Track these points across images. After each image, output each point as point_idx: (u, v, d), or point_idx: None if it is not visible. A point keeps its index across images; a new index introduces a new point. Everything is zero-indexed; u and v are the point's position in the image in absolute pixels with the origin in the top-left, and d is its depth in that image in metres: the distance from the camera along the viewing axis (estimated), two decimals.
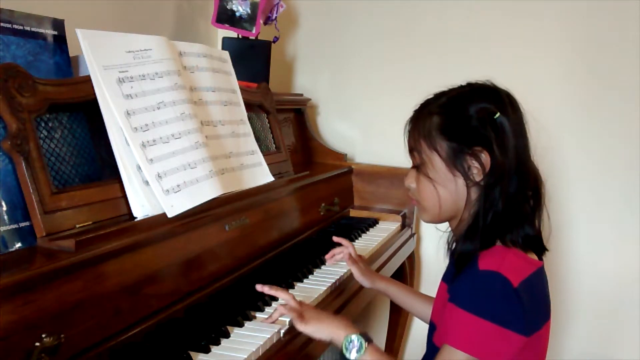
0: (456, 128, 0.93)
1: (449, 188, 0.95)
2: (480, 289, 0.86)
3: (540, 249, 0.95)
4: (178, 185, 1.06)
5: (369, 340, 0.93)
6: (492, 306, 0.84)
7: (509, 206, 0.91)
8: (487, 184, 0.92)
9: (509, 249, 0.90)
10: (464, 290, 0.89)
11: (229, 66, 1.40)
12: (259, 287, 1.07)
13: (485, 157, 0.91)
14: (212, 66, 1.30)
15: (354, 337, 0.92)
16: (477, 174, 0.92)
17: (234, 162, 1.27)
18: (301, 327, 0.97)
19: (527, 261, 0.90)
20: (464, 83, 0.98)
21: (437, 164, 0.95)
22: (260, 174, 1.36)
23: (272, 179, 1.39)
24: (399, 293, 1.26)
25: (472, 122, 0.92)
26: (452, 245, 0.99)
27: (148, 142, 1.04)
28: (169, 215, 1.01)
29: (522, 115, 0.94)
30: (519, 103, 0.95)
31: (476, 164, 0.92)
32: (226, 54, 1.41)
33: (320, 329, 0.97)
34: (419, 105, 1.00)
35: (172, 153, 1.08)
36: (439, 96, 0.98)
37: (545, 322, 0.93)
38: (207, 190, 1.11)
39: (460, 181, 0.93)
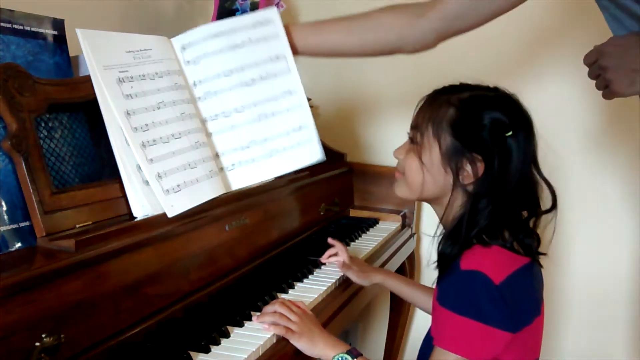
0: (466, 129, 0.93)
1: (436, 179, 0.96)
2: (462, 289, 0.87)
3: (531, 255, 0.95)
4: (178, 185, 1.05)
5: (357, 355, 0.95)
6: (475, 305, 0.85)
7: (494, 218, 0.92)
8: (475, 192, 0.93)
9: (490, 247, 0.90)
10: (447, 290, 0.90)
11: (271, 28, 1.18)
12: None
13: (480, 166, 0.92)
14: (228, 44, 1.16)
15: (341, 356, 0.94)
16: (466, 178, 0.93)
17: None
18: (293, 341, 0.98)
19: (511, 258, 0.90)
20: (491, 86, 0.98)
21: (435, 153, 0.96)
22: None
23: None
24: (396, 285, 1.30)
25: (483, 131, 0.92)
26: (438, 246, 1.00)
27: (148, 142, 1.04)
28: (169, 215, 1.01)
29: (534, 141, 0.95)
30: (536, 129, 0.95)
31: (469, 169, 0.93)
32: (271, 13, 1.19)
33: (311, 348, 0.98)
34: (440, 87, 1.00)
35: (172, 153, 1.07)
36: (462, 88, 0.98)
37: (535, 317, 0.92)
38: (207, 190, 1.11)
39: (449, 178, 0.95)
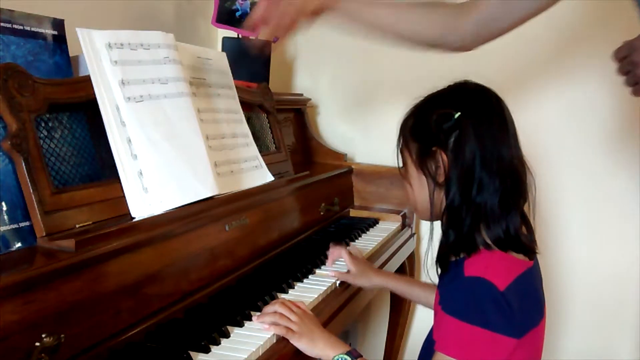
0: (420, 129, 0.95)
1: (422, 189, 0.96)
2: (467, 296, 0.86)
3: (525, 251, 0.92)
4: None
5: (357, 356, 0.94)
6: (480, 312, 0.84)
7: (475, 206, 0.89)
8: (447, 184, 0.92)
9: (493, 253, 0.89)
10: (451, 296, 0.90)
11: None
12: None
13: (443, 157, 0.91)
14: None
15: (341, 357, 0.94)
16: (441, 175, 0.92)
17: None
18: (293, 341, 0.98)
19: (514, 263, 0.90)
20: (450, 83, 0.97)
21: (410, 165, 0.97)
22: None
23: (272, 178, 1.39)
24: (398, 286, 1.29)
25: (432, 123, 0.92)
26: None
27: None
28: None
29: (499, 114, 0.91)
30: (502, 102, 0.93)
31: (436, 164, 0.92)
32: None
33: (311, 349, 0.98)
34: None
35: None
36: (424, 98, 0.99)
37: (539, 321, 0.92)
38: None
39: (429, 182, 0.94)
